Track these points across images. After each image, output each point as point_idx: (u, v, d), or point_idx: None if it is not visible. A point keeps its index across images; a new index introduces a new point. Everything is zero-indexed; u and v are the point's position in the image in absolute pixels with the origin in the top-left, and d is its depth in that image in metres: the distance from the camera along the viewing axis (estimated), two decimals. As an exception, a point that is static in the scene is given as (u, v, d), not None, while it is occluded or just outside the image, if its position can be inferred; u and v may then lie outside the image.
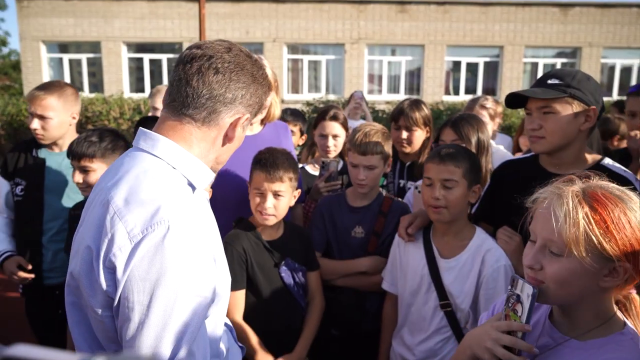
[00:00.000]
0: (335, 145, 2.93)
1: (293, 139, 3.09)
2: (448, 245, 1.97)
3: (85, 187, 2.17)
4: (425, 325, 1.98)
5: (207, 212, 1.29)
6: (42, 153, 2.61)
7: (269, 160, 1.99)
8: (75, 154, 2.16)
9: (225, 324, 1.40)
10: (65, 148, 2.55)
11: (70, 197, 2.57)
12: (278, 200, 1.99)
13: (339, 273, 2.28)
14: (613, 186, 1.09)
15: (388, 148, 2.29)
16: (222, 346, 1.34)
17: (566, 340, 1.11)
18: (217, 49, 1.19)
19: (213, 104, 1.17)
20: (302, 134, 3.32)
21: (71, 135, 2.60)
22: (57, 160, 2.59)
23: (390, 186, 2.75)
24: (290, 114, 3.09)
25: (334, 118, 2.95)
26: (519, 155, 3.03)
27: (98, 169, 2.13)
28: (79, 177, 2.16)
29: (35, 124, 2.50)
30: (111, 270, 1.04)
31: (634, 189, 1.63)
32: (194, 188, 1.21)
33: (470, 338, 1.19)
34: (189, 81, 1.16)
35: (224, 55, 1.18)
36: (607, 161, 1.80)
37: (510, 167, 2.05)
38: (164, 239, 1.04)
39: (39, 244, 2.55)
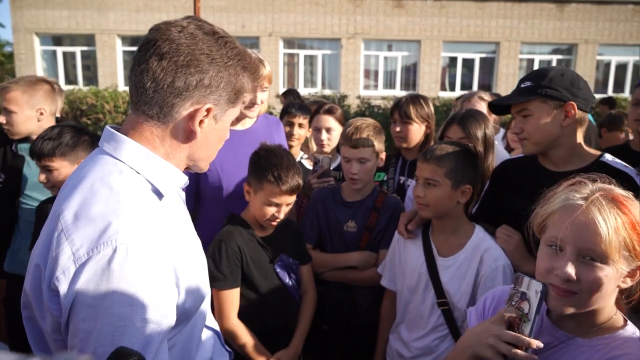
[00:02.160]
0: (329, 139, 2.92)
1: (302, 131, 3.09)
2: (446, 244, 1.97)
3: (51, 187, 2.09)
4: (422, 322, 1.98)
5: (178, 218, 1.16)
6: (23, 147, 2.57)
7: (284, 176, 1.95)
8: (34, 153, 2.07)
9: (212, 329, 1.34)
10: None
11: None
12: (288, 207, 2.04)
13: (329, 266, 2.28)
14: (619, 188, 1.09)
15: (380, 142, 2.29)
16: (206, 354, 1.27)
17: (571, 338, 1.11)
18: (164, 30, 1.04)
19: (162, 96, 1.03)
20: (309, 126, 3.33)
21: None
22: None
23: (390, 182, 2.75)
24: (298, 108, 3.09)
25: (329, 112, 2.95)
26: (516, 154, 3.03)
27: (60, 167, 2.04)
28: (42, 177, 2.08)
29: (1, 117, 2.47)
30: (55, 293, 0.93)
31: (635, 185, 1.63)
32: (160, 194, 1.09)
33: (470, 337, 1.16)
34: (135, 73, 1.04)
35: (171, 35, 1.03)
36: (608, 157, 1.79)
37: (511, 166, 2.05)
38: (110, 262, 0.92)
39: (9, 237, 2.53)
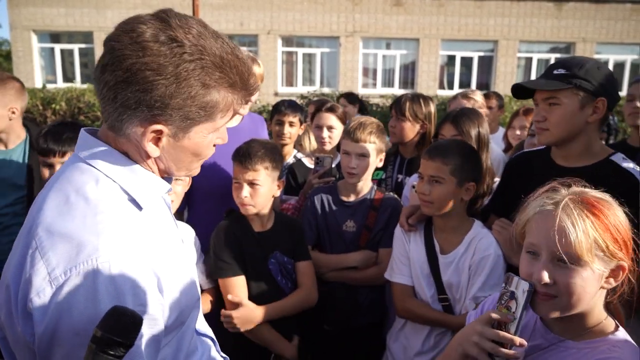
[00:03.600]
0: (330, 137, 2.92)
1: (294, 130, 3.08)
2: (447, 241, 1.98)
3: None
4: None
5: (159, 227, 1.07)
6: None
7: (242, 150, 2.01)
8: (42, 150, 2.05)
9: (207, 335, 1.31)
10: (10, 144, 2.50)
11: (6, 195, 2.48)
12: (254, 189, 2.00)
13: (330, 267, 2.28)
14: (593, 191, 1.12)
15: (382, 142, 2.29)
16: None
17: (561, 341, 1.13)
18: (119, 34, 0.93)
19: (112, 109, 0.94)
20: (301, 124, 3.33)
21: (15, 131, 2.52)
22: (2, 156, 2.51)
23: (389, 180, 2.76)
24: (288, 106, 3.08)
25: (330, 110, 2.96)
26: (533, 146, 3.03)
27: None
28: (47, 173, 2.06)
29: None
30: (30, 317, 0.85)
31: (636, 187, 1.62)
32: (138, 204, 1.00)
33: (460, 335, 1.19)
34: (95, 76, 0.95)
35: (117, 45, 0.91)
36: (617, 156, 1.73)
37: (523, 160, 2.02)
38: (92, 281, 0.85)
39: None
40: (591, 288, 1.06)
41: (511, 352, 1.08)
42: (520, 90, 1.80)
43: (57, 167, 2.04)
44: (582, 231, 1.03)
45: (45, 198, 0.96)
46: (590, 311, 1.11)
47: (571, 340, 1.12)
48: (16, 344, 0.92)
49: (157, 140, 0.98)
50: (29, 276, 0.86)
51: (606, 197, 1.10)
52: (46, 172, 2.08)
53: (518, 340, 1.08)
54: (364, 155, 2.24)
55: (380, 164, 2.39)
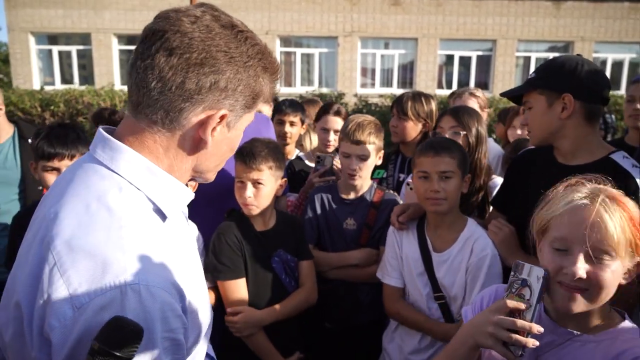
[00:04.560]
0: (335, 140, 2.95)
1: (295, 129, 3.09)
2: (441, 239, 1.97)
3: None
4: None
5: (181, 240, 1.00)
6: None
7: (246, 150, 1.99)
8: (44, 154, 1.96)
9: (209, 356, 1.22)
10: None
11: None
12: (258, 189, 1.99)
13: (331, 265, 2.28)
14: (611, 187, 1.13)
15: (380, 140, 2.29)
16: None
17: (577, 335, 1.12)
18: (174, 20, 0.88)
19: (169, 99, 0.88)
20: (302, 123, 3.33)
21: (4, 128, 2.52)
22: None
23: (390, 179, 2.75)
24: (289, 105, 3.09)
25: (338, 113, 2.98)
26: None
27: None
28: (52, 180, 1.97)
29: None
30: (48, 342, 0.78)
31: (636, 186, 1.62)
32: (164, 215, 0.93)
33: (471, 327, 1.15)
34: (137, 69, 0.89)
35: (182, 27, 0.87)
36: (618, 155, 1.72)
37: (528, 156, 2.03)
38: (120, 306, 0.78)
39: None
40: (617, 282, 1.08)
41: (530, 340, 1.05)
42: (514, 98, 1.91)
43: (63, 170, 1.96)
44: (619, 226, 1.05)
45: (61, 204, 0.87)
46: (605, 304, 1.12)
47: (586, 334, 1.12)
48: None
49: (213, 130, 0.93)
50: (47, 297, 0.78)
51: (621, 193, 1.12)
52: (50, 177, 1.98)
53: (536, 327, 1.05)
54: (365, 157, 2.24)
55: (380, 162, 2.38)
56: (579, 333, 1.11)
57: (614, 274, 1.06)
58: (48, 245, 0.82)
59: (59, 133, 2.00)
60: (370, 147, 2.23)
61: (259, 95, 0.98)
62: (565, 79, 1.68)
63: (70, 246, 0.80)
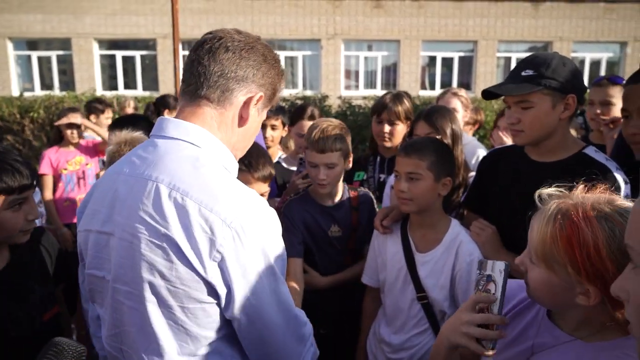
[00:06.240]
0: None
1: (277, 133, 3.09)
2: (424, 239, 1.98)
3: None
4: (402, 316, 2.01)
5: None
6: None
7: (254, 162, 2.05)
8: (10, 189, 1.55)
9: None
10: None
11: None
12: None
13: (331, 286, 2.28)
14: (605, 203, 1.02)
15: (347, 143, 2.20)
16: None
17: (571, 340, 1.10)
18: (227, 31, 1.24)
19: (225, 81, 1.19)
20: (284, 126, 3.32)
21: None
22: None
23: (371, 180, 2.75)
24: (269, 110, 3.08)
25: (312, 117, 2.97)
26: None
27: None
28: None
29: None
30: (217, 261, 1.07)
31: (614, 178, 1.64)
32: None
33: (445, 329, 1.19)
34: (200, 61, 1.19)
35: (233, 35, 1.23)
36: (589, 150, 1.75)
37: (497, 156, 2.03)
38: (263, 226, 1.13)
39: None
40: (558, 293, 1.05)
41: (497, 332, 1.09)
42: (489, 93, 1.78)
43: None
44: (541, 237, 1.05)
45: (165, 164, 1.13)
46: (590, 316, 1.08)
47: (580, 341, 1.08)
48: (175, 291, 1.09)
49: (250, 110, 1.25)
50: (209, 228, 1.06)
51: (614, 215, 1.02)
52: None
53: (504, 319, 1.10)
54: (332, 165, 2.13)
55: (349, 166, 2.28)
56: (573, 338, 1.10)
57: (542, 281, 1.06)
58: (175, 195, 1.08)
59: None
60: (337, 154, 2.13)
61: (276, 92, 1.31)
62: (570, 79, 1.66)
63: (202, 189, 1.10)
